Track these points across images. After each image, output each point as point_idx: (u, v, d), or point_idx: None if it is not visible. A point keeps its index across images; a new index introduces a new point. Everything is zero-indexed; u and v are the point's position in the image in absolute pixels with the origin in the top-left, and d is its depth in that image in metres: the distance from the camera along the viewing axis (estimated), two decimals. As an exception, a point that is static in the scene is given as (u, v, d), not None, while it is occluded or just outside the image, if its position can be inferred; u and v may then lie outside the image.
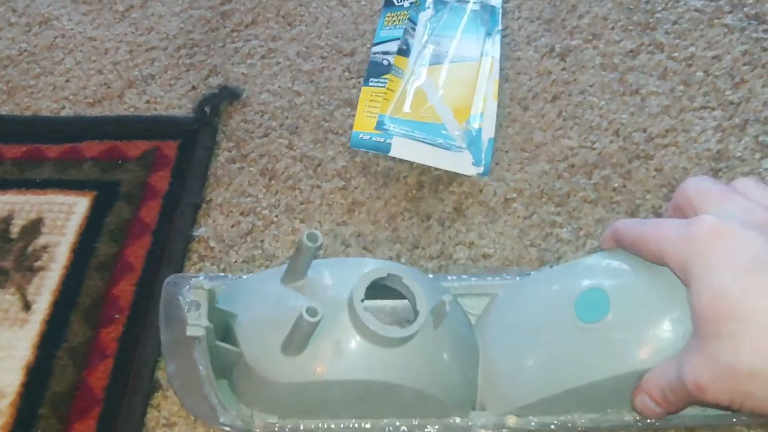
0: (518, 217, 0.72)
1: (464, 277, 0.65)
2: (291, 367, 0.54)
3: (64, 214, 0.73)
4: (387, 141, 0.75)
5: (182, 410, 0.62)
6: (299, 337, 0.53)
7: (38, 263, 0.70)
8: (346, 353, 0.54)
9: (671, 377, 0.50)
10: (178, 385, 0.59)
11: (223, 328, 0.59)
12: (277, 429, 0.58)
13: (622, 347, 0.53)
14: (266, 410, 0.58)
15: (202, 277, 0.60)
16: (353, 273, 0.55)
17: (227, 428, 0.57)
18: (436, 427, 0.58)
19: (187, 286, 0.61)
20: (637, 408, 0.53)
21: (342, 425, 0.58)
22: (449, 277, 0.64)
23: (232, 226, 0.72)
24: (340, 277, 0.57)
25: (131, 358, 0.64)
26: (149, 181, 0.75)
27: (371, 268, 0.55)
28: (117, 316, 0.67)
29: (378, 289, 0.55)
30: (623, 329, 0.53)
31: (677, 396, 0.50)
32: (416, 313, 0.54)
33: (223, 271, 0.69)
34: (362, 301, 0.54)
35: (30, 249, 0.71)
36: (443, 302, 0.54)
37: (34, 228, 0.72)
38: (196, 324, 0.56)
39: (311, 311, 0.51)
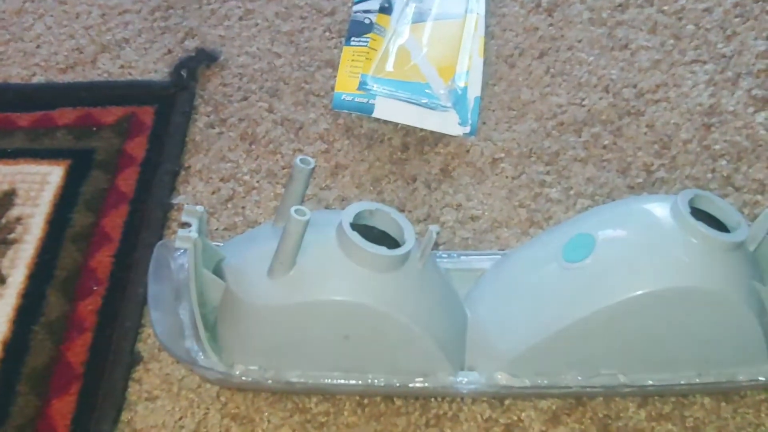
0: (506, 177, 0.70)
1: (454, 255, 0.63)
2: (278, 289, 0.54)
3: (38, 185, 0.71)
4: (370, 102, 0.73)
5: (165, 383, 0.60)
6: (288, 245, 0.52)
7: (12, 236, 0.68)
8: (332, 274, 0.53)
9: None
10: (160, 331, 0.58)
11: (212, 271, 0.57)
12: (258, 378, 0.57)
13: (604, 282, 0.54)
14: (247, 359, 0.57)
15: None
16: (341, 213, 0.54)
17: (208, 370, 0.56)
18: (425, 384, 0.57)
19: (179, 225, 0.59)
20: None
21: (327, 380, 0.57)
22: (439, 254, 0.63)
23: (212, 192, 0.70)
24: (329, 215, 0.56)
25: (111, 331, 0.63)
26: (125, 148, 0.73)
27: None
28: (95, 288, 0.65)
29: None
30: (605, 266, 0.54)
31: None
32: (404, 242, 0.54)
33: (204, 239, 0.67)
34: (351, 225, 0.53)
35: (3, 221, 0.69)
36: (430, 231, 0.53)
37: (6, 199, 0.70)
38: (186, 236, 0.54)
39: (300, 211, 0.51)
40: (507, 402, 0.58)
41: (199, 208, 0.56)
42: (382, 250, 0.53)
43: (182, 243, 0.55)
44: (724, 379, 0.57)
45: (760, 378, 0.56)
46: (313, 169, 0.56)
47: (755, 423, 0.56)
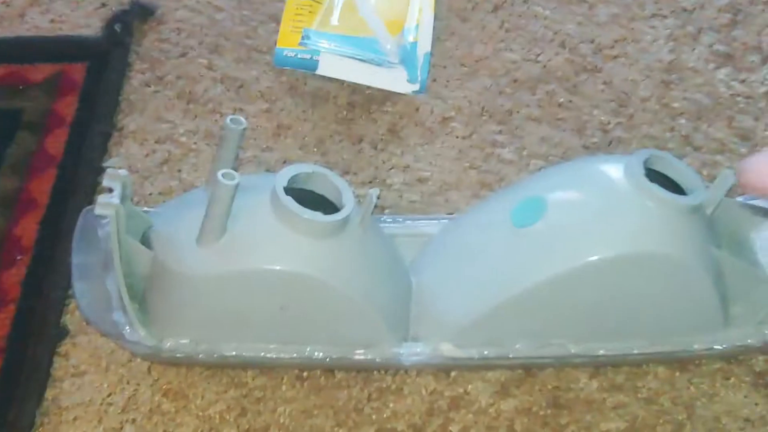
0: (457, 137, 0.67)
1: (399, 219, 0.60)
2: (207, 258, 0.51)
3: (-41, 147, 0.67)
4: (314, 58, 0.69)
5: (93, 358, 0.57)
6: (216, 211, 0.49)
7: (-69, 202, 0.64)
8: (265, 241, 0.50)
9: None
10: (85, 303, 0.55)
11: (141, 240, 0.54)
12: (189, 352, 0.54)
13: (555, 248, 0.52)
14: (178, 332, 0.54)
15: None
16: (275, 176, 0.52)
17: (135, 345, 0.53)
18: (367, 355, 0.54)
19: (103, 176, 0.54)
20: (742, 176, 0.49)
21: (263, 353, 0.54)
22: (383, 219, 0.60)
23: (147, 155, 0.67)
24: (264, 179, 0.53)
25: (35, 303, 0.59)
26: (54, 108, 0.69)
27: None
28: (19, 257, 0.61)
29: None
30: (556, 231, 0.52)
31: None
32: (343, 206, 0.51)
33: (137, 204, 0.63)
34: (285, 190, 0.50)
35: None
36: (370, 195, 0.50)
37: (-75, 163, 0.66)
38: (106, 202, 0.51)
39: (228, 175, 0.48)
40: (453, 374, 0.55)
41: (123, 171, 0.53)
42: (319, 216, 0.50)
43: (102, 210, 0.51)
44: (679, 347, 0.54)
45: (716, 346, 0.54)
46: (246, 129, 0.52)
47: (710, 393, 0.54)
